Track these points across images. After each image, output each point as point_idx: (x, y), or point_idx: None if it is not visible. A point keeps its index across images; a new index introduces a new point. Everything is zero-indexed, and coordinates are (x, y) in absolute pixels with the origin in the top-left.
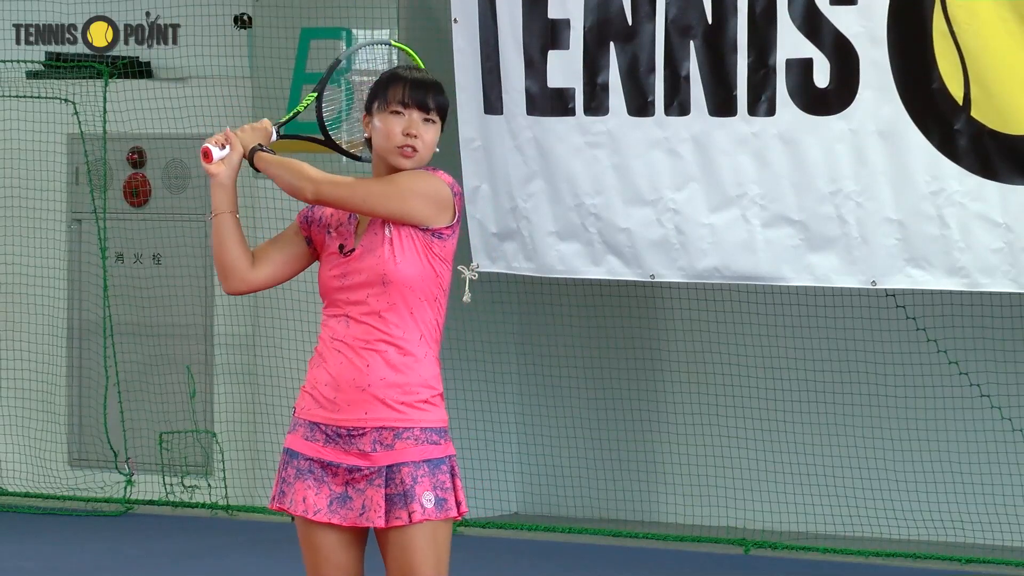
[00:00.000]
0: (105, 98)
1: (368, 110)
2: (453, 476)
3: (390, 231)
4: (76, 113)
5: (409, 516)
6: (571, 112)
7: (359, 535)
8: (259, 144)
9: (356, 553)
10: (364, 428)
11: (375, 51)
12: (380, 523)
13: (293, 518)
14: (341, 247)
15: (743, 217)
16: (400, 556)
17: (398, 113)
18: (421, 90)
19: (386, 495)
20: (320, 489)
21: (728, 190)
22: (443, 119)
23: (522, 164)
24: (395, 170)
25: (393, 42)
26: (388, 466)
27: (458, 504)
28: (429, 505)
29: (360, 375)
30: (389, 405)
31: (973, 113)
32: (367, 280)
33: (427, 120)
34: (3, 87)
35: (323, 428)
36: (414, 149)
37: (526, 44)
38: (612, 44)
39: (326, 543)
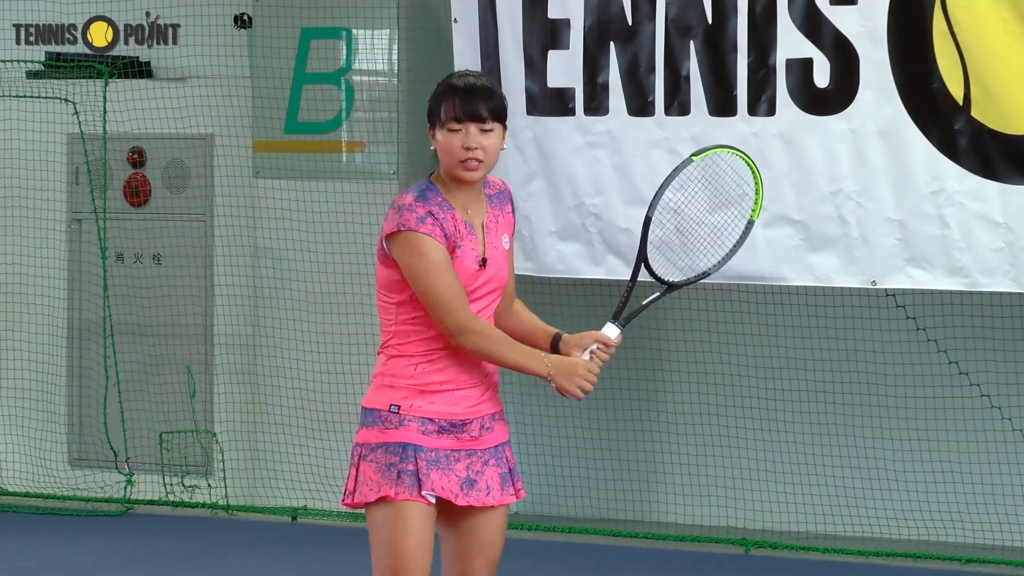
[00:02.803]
0: (105, 98)
1: (430, 123)
2: (511, 452)
3: (507, 243)
4: (76, 113)
5: (516, 492)
6: (571, 112)
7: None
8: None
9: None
10: (472, 418)
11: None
12: (500, 500)
13: (351, 505)
14: (483, 261)
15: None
16: (491, 530)
17: (455, 130)
18: (473, 101)
19: (499, 474)
20: (449, 477)
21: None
22: (503, 119)
23: (522, 164)
24: (463, 182)
25: (695, 156)
26: (494, 446)
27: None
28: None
29: (478, 371)
30: (491, 394)
31: (973, 113)
32: (492, 288)
33: (485, 130)
34: (3, 87)
35: (436, 421)
36: (477, 160)
37: (526, 44)
38: (612, 44)
39: (431, 525)
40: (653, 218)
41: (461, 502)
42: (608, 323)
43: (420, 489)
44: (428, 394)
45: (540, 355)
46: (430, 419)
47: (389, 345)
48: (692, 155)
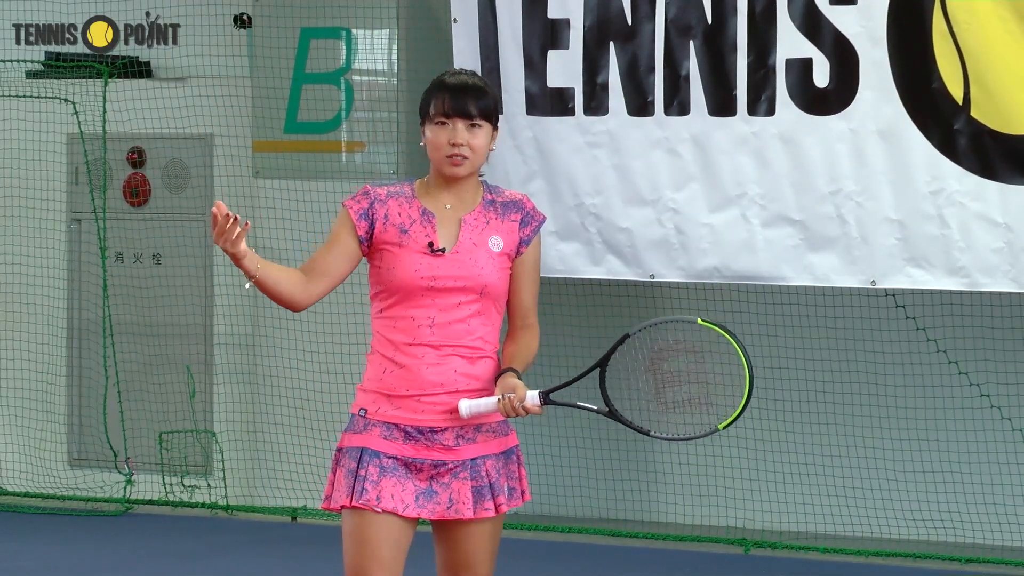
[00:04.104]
0: (105, 98)
1: (421, 120)
2: (519, 464)
3: (498, 245)
4: (76, 113)
5: (496, 507)
6: (571, 112)
7: (414, 529)
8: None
9: (407, 546)
10: (447, 426)
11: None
12: (469, 514)
13: (329, 513)
14: (431, 244)
15: (743, 217)
16: (469, 546)
17: (443, 124)
18: (461, 98)
19: (472, 487)
20: (405, 486)
21: (728, 190)
22: (492, 119)
23: (522, 164)
24: (449, 179)
25: (701, 321)
26: (471, 459)
27: (523, 492)
28: (508, 496)
29: (448, 379)
30: None
31: (973, 113)
32: (464, 286)
33: (473, 126)
34: (3, 87)
35: (401, 427)
36: (463, 157)
37: (526, 44)
38: (612, 44)
39: (394, 537)
40: (632, 336)
41: (411, 514)
42: (535, 391)
43: (362, 497)
44: (394, 399)
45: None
46: (396, 424)
47: (371, 344)
48: (699, 319)
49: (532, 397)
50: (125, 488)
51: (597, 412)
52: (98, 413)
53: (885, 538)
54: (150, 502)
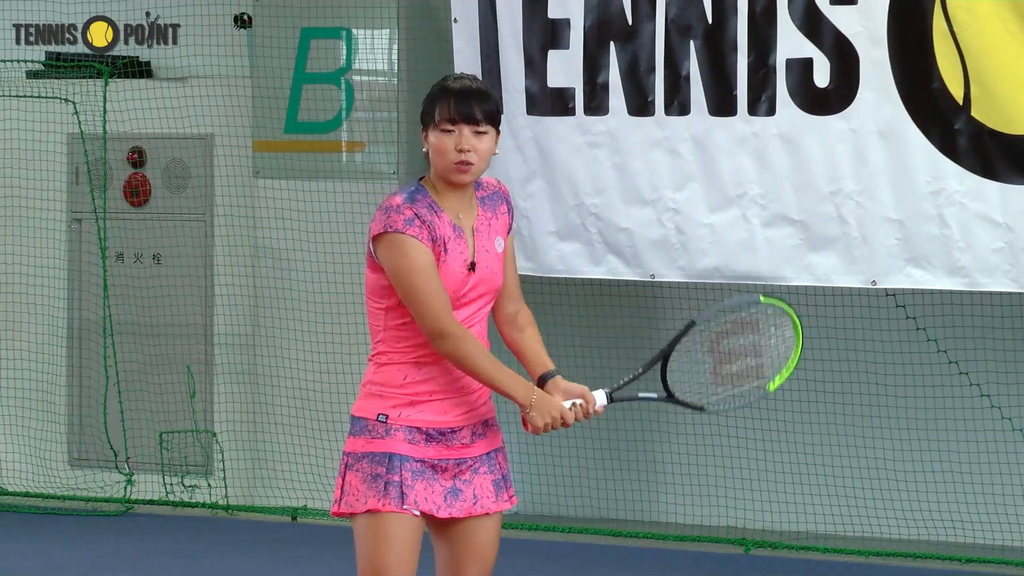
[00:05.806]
0: (105, 98)
1: (423, 125)
2: (505, 456)
3: (500, 246)
4: (76, 113)
5: (509, 498)
6: (571, 112)
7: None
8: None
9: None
10: (463, 424)
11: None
12: (493, 508)
13: (342, 517)
14: (468, 262)
15: (743, 217)
16: (484, 538)
17: (448, 131)
18: (467, 103)
19: (492, 480)
20: (434, 488)
21: (728, 190)
22: (496, 123)
23: (522, 164)
24: (455, 185)
25: (763, 298)
26: (487, 452)
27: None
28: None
29: (470, 379)
30: (484, 400)
31: (973, 113)
32: (483, 293)
33: (478, 132)
34: (3, 87)
35: (423, 430)
36: (469, 163)
37: (526, 44)
38: (612, 44)
39: (417, 539)
40: (699, 324)
41: (443, 514)
42: (601, 390)
43: (404, 502)
44: (417, 404)
45: (529, 385)
46: (418, 428)
47: (379, 352)
48: (762, 295)
49: (601, 398)
50: (125, 488)
51: (657, 400)
52: (98, 413)
53: (885, 538)
54: (150, 502)
